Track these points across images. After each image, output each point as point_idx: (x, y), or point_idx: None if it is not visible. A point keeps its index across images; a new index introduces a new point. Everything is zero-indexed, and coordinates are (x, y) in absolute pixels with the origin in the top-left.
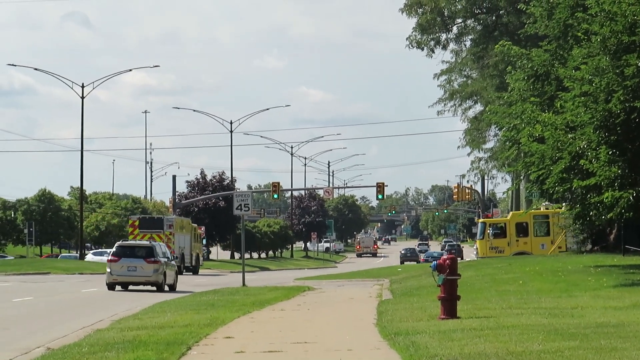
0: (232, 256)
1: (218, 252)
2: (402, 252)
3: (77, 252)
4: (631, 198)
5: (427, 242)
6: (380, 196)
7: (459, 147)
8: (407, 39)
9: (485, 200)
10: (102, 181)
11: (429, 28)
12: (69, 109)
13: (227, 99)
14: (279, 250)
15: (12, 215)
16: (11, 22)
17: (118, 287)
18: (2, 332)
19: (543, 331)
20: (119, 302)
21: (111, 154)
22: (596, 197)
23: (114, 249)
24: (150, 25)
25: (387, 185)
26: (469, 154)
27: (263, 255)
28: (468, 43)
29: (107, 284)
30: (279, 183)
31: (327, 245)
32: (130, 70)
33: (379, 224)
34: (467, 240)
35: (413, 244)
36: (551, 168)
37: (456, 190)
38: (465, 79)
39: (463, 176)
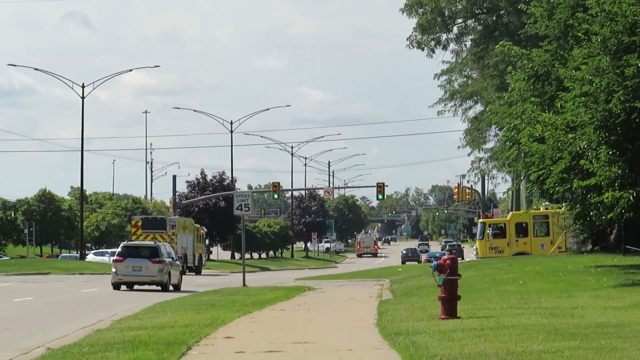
0: (233, 256)
1: (218, 253)
2: (404, 252)
3: (77, 253)
4: (631, 198)
5: (427, 242)
6: (380, 196)
7: (459, 147)
8: (407, 39)
9: (485, 200)
10: (102, 181)
11: (430, 28)
12: (69, 109)
13: (227, 99)
14: (280, 251)
15: (12, 215)
16: (11, 22)
17: (123, 287)
18: (2, 332)
19: (543, 331)
20: (119, 302)
21: (111, 154)
22: (596, 197)
23: (119, 249)
24: (150, 25)
25: (387, 186)
26: (469, 154)
27: (263, 255)
28: (468, 43)
29: (112, 284)
30: (279, 183)
31: (328, 245)
32: (130, 70)
33: (379, 224)
34: (467, 241)
35: (413, 244)
36: (551, 168)
37: (456, 190)
38: (465, 79)
39: (463, 176)
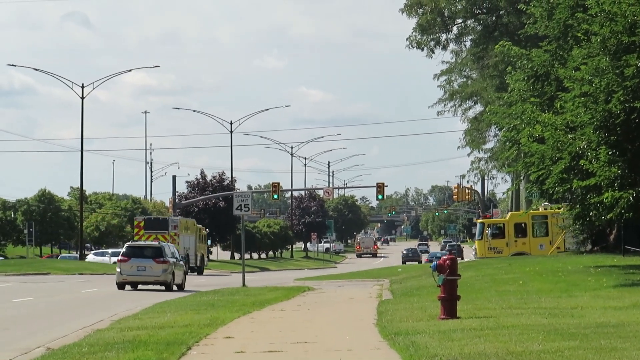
0: (232, 256)
1: (218, 253)
2: (404, 252)
3: (76, 253)
4: (631, 198)
5: (426, 243)
6: (380, 196)
7: (459, 147)
8: (407, 39)
9: (485, 200)
10: (102, 181)
11: (429, 28)
12: (69, 109)
13: (227, 99)
14: (279, 251)
15: (12, 215)
16: (11, 22)
17: (128, 287)
18: (2, 332)
19: (543, 331)
20: (119, 302)
21: (111, 154)
22: (596, 197)
23: (123, 249)
24: (150, 25)
25: (387, 186)
26: (469, 154)
27: (263, 255)
28: (468, 43)
29: (117, 284)
30: (279, 183)
31: (327, 245)
32: (130, 70)
33: (379, 225)
34: (467, 241)
35: (413, 244)
36: (551, 168)
37: (456, 190)
38: (465, 79)
39: (463, 176)
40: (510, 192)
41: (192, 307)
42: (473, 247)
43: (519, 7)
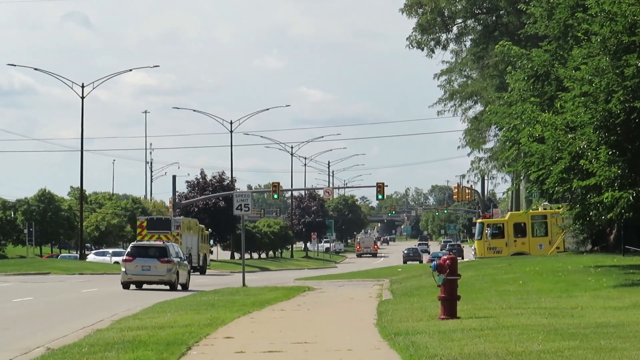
0: (232, 256)
1: (218, 253)
2: (405, 252)
3: (77, 253)
4: (631, 198)
5: (426, 242)
6: (380, 196)
7: (459, 147)
8: (407, 39)
9: (485, 200)
10: (102, 181)
11: (429, 28)
12: (69, 109)
13: (227, 99)
14: (279, 251)
15: (12, 215)
16: (11, 22)
17: (132, 287)
18: (2, 332)
19: (543, 331)
20: (119, 302)
21: (111, 154)
22: (596, 197)
23: (128, 249)
24: (150, 25)
25: (387, 186)
26: (469, 154)
27: (263, 255)
28: (468, 43)
29: (122, 283)
30: (279, 183)
31: (327, 245)
32: (130, 70)
33: (379, 224)
34: (467, 241)
35: (413, 244)
36: (551, 168)
37: (456, 190)
38: (465, 79)
39: (463, 176)
40: (510, 192)
41: (192, 307)
42: (472, 247)
43: (519, 7)
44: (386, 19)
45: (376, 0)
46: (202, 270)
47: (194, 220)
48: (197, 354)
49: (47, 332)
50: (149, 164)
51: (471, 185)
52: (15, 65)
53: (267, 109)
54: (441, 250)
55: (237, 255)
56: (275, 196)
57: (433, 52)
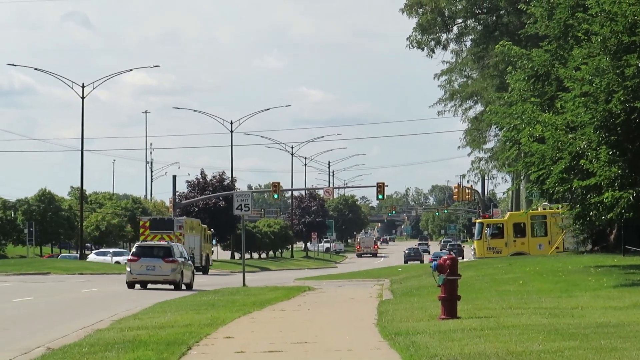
0: (233, 256)
1: (218, 253)
2: (406, 251)
3: (77, 252)
4: (631, 198)
5: (426, 242)
6: (380, 196)
7: (459, 147)
8: (407, 39)
9: (485, 200)
10: (102, 181)
11: (429, 28)
12: (69, 109)
13: (227, 99)
14: (279, 251)
15: (12, 215)
16: (11, 22)
17: (137, 286)
18: (2, 332)
19: (543, 331)
20: (119, 302)
21: (111, 154)
22: (596, 197)
23: (133, 249)
24: (150, 25)
25: (387, 185)
26: (469, 154)
27: (263, 255)
28: (468, 43)
29: (126, 283)
30: (279, 183)
31: (328, 245)
32: (131, 70)
33: (379, 224)
34: (467, 241)
35: (413, 244)
36: (551, 168)
37: (456, 190)
38: (465, 79)
39: (463, 176)
40: (510, 192)
41: (193, 307)
42: (472, 247)
43: (519, 7)
44: (386, 19)
45: (376, 0)
46: (204, 270)
47: (196, 221)
48: (197, 354)
49: (47, 332)
50: (149, 164)
51: (471, 185)
52: (15, 65)
53: (267, 109)
54: (441, 250)
55: (237, 255)
56: (276, 196)
57: (433, 52)
